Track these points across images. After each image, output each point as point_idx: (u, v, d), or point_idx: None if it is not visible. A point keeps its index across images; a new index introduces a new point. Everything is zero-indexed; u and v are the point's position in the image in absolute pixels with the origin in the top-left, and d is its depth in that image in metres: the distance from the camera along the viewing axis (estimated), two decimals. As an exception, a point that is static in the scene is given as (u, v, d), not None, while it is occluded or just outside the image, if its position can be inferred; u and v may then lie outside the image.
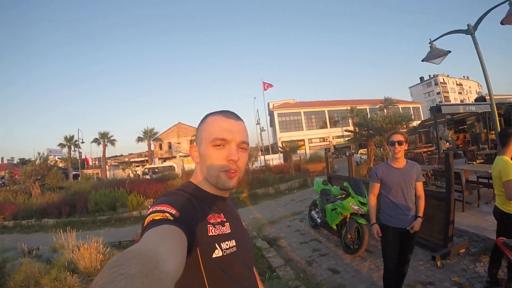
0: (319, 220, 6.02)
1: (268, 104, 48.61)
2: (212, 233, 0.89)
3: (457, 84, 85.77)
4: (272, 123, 48.93)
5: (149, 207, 0.86)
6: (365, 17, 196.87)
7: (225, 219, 0.97)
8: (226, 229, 0.95)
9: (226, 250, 0.90)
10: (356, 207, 4.71)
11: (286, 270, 3.90)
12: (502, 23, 4.59)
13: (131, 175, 29.07)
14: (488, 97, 5.36)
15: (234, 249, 0.93)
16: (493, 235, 3.87)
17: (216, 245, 0.88)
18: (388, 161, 3.07)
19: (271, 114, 47.68)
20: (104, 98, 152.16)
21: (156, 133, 42.02)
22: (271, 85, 37.44)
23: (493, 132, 17.77)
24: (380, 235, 2.98)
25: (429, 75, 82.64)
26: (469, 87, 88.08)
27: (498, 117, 18.06)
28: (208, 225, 0.90)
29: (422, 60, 5.95)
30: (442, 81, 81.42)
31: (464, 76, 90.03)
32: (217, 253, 0.88)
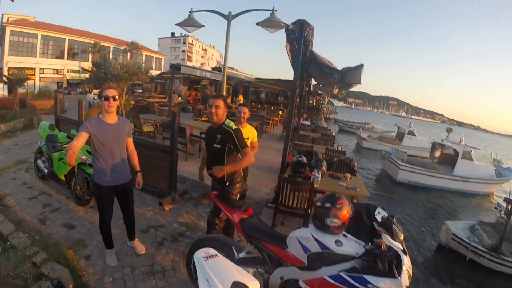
0: (46, 171, 5.61)
1: (2, 16, 36.95)
2: None
3: (202, 49, 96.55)
4: (1, 42, 37.62)
5: None
6: None
7: None
8: None
9: None
10: (84, 157, 4.72)
11: (19, 236, 3.54)
12: (257, 24, 5.68)
13: None
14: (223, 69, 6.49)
15: None
16: (208, 182, 4.87)
17: None
18: (99, 116, 3.02)
19: (2, 29, 36.39)
20: None
21: None
22: None
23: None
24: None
25: (181, 33, 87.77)
26: (212, 55, 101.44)
27: (228, 86, 21.92)
28: None
29: (177, 24, 6.37)
30: (191, 42, 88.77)
31: (210, 44, 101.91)
32: None
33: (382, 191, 12.99)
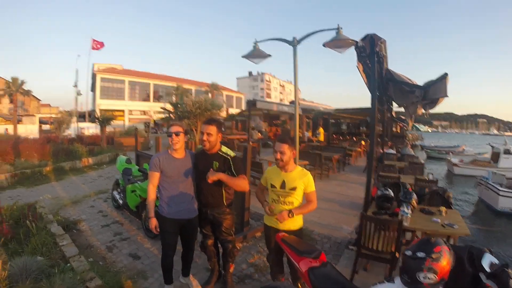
0: (121, 201, 6.02)
1: (93, 65, 43.57)
2: None
3: (280, 85, 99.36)
4: (93, 88, 44.23)
5: None
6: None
7: None
8: None
9: None
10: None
11: (80, 260, 3.68)
12: (324, 45, 5.42)
13: None
14: (303, 102, 6.20)
15: None
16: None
17: None
18: (168, 150, 3.15)
19: (93, 77, 42.94)
20: None
21: None
22: (101, 44, 34.02)
23: (300, 131, 21.20)
24: (158, 228, 3.02)
25: (258, 72, 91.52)
26: (290, 90, 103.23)
27: (307, 119, 21.85)
28: None
29: (242, 56, 6.21)
30: (268, 79, 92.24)
31: (287, 80, 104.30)
32: None
33: (480, 224, 11.17)
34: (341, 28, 5.21)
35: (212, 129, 3.03)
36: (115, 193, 6.34)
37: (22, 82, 29.22)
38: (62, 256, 3.87)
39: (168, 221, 3.05)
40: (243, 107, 55.68)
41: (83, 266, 3.47)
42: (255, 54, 6.16)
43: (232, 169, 3.06)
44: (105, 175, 10.44)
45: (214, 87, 50.54)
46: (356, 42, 4.96)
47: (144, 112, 46.05)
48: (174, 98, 44.58)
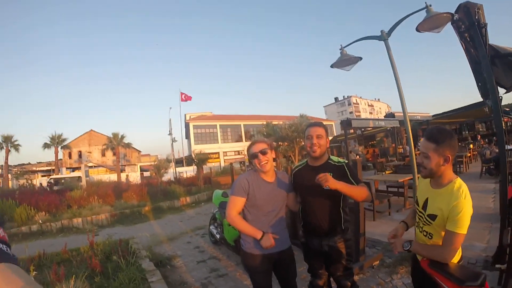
0: (218, 236, 5.74)
1: (185, 115, 48.18)
2: None
3: (368, 105, 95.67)
4: (187, 135, 48.43)
5: None
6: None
7: None
8: None
9: None
10: None
11: None
12: (417, 29, 4.67)
13: (26, 184, 25.55)
14: (399, 113, 5.36)
15: None
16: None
17: None
18: (257, 171, 2.54)
19: (186, 125, 47.23)
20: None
21: (64, 139, 37.93)
22: (189, 98, 37.48)
23: (400, 146, 19.66)
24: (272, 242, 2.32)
25: (343, 96, 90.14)
26: (380, 108, 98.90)
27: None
28: None
29: (331, 66, 5.75)
30: (355, 102, 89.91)
31: (375, 98, 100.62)
32: None
33: None
34: (430, 6, 4.50)
35: (322, 131, 2.48)
36: (212, 228, 6.16)
37: (122, 137, 33.23)
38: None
39: (256, 258, 2.42)
40: (335, 133, 54.56)
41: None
42: (344, 61, 5.65)
43: (349, 175, 2.41)
44: (202, 212, 10.58)
45: (303, 119, 50.47)
46: (452, 14, 4.13)
47: (239, 152, 48.06)
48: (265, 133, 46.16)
